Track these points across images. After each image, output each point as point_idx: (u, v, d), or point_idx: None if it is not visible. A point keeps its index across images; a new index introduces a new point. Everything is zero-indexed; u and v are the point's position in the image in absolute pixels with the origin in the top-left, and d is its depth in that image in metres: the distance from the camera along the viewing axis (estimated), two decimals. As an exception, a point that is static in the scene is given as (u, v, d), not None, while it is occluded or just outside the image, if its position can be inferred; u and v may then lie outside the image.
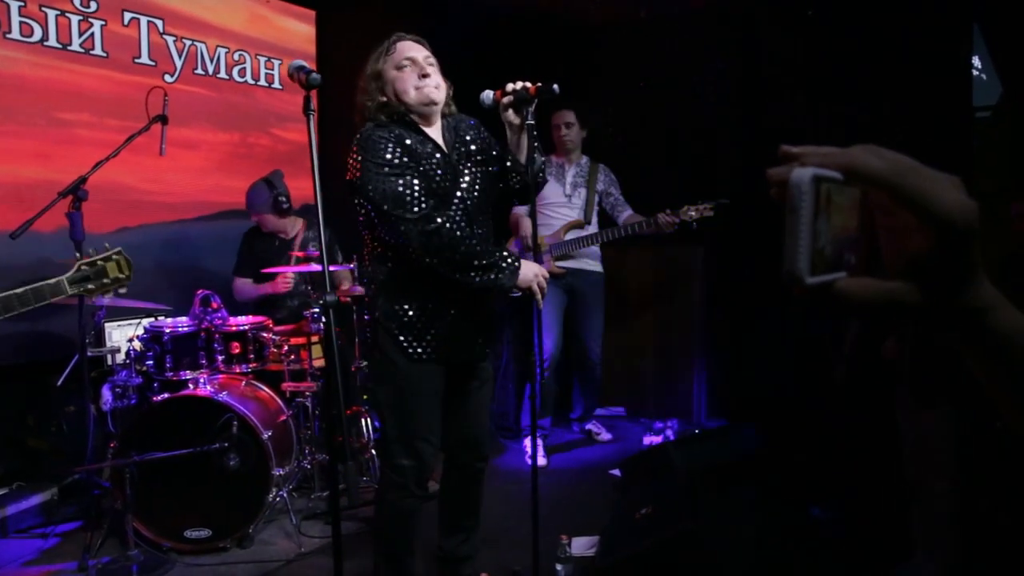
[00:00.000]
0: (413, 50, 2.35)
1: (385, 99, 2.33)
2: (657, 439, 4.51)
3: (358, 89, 2.38)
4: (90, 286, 2.34)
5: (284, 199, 3.84)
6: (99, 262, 2.35)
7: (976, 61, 4.18)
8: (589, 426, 4.59)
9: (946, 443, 2.68)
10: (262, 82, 4.59)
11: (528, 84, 2.28)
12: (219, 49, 4.31)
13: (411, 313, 2.31)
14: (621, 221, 4.28)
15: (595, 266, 4.32)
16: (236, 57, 4.41)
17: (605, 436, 4.57)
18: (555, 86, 2.23)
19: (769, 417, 4.27)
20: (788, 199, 0.48)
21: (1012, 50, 3.64)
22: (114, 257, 2.38)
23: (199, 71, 4.21)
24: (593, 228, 4.25)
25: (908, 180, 0.48)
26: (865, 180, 0.49)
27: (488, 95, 2.36)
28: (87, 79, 3.71)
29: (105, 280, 2.35)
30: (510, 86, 2.30)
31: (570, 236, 4.17)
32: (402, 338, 2.31)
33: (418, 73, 2.32)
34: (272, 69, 4.64)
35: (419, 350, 2.32)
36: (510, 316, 4.58)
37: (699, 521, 2.68)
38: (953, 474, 2.67)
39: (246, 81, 4.49)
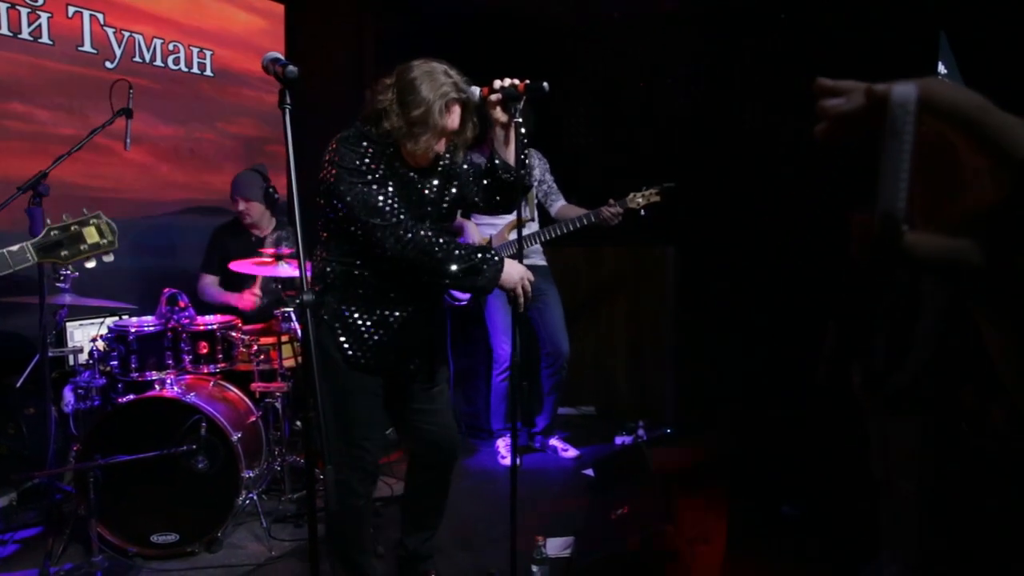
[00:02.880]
0: (461, 125, 2.29)
1: (399, 120, 2.20)
2: (628, 439, 4.53)
3: (384, 86, 2.25)
4: (63, 252, 2.06)
5: (274, 190, 3.83)
6: (73, 227, 2.07)
7: (941, 67, 4.26)
8: (552, 441, 4.37)
9: (913, 445, 2.73)
10: (195, 70, 4.45)
11: (516, 81, 2.25)
12: (155, 40, 4.17)
13: (356, 315, 2.30)
14: (555, 211, 4.13)
15: (540, 260, 4.18)
16: (171, 47, 4.27)
17: (572, 453, 4.28)
18: (544, 84, 2.21)
19: (740, 416, 4.31)
20: (889, 122, 0.39)
21: (977, 57, 3.72)
22: (92, 221, 2.10)
23: (137, 59, 4.08)
24: (535, 223, 4.10)
25: (992, 118, 0.41)
26: (945, 113, 0.42)
27: (475, 91, 2.33)
28: (17, 68, 3.60)
29: (82, 246, 2.08)
30: (498, 83, 2.27)
31: (514, 235, 4.00)
32: (343, 339, 2.30)
33: (439, 143, 2.26)
34: (204, 59, 4.49)
35: (358, 354, 2.31)
36: (472, 319, 4.45)
37: (674, 521, 2.69)
38: (919, 475, 2.72)
39: (180, 69, 4.33)
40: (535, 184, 4.12)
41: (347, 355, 2.30)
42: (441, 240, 2.21)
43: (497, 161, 2.41)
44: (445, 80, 2.21)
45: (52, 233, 2.05)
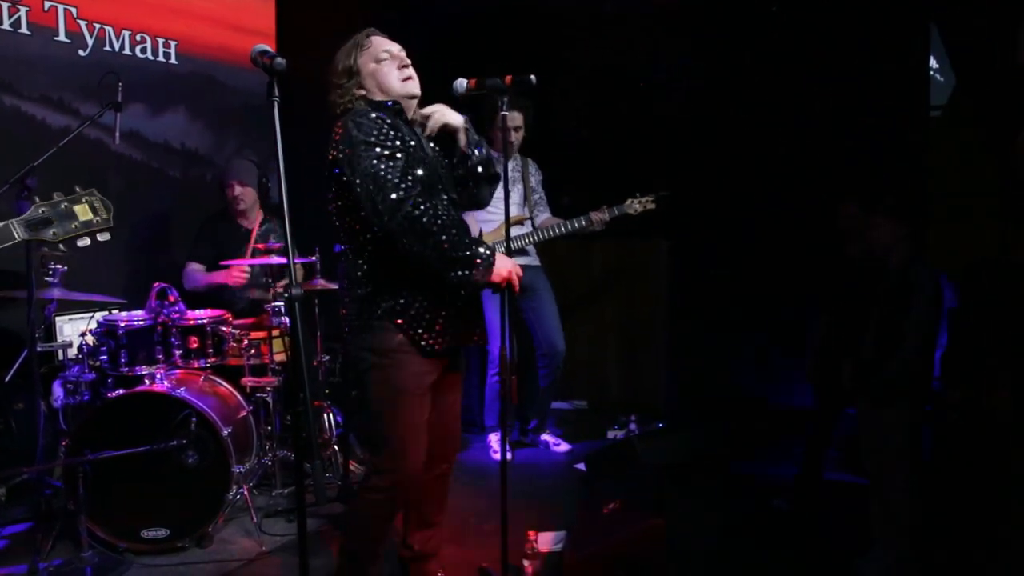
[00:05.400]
0: (389, 44, 2.30)
1: (363, 92, 2.26)
2: (620, 433, 4.53)
3: (329, 86, 2.29)
4: (53, 231, 1.93)
5: (267, 180, 3.81)
6: (63, 204, 1.95)
7: (932, 62, 4.27)
8: (545, 437, 4.38)
9: (903, 437, 2.74)
10: (159, 58, 4.40)
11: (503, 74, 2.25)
12: (123, 31, 4.08)
13: (417, 304, 2.21)
14: (539, 222, 4.16)
15: (534, 260, 4.20)
16: (138, 37, 4.15)
17: (564, 447, 4.33)
18: (531, 77, 2.20)
19: (731, 410, 4.32)
20: None
21: (968, 50, 3.72)
22: (84, 198, 1.98)
23: (107, 48, 3.99)
24: (530, 222, 4.15)
25: None
26: None
27: (461, 83, 2.32)
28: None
29: (74, 224, 1.95)
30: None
31: (512, 233, 3.99)
32: (412, 331, 2.21)
33: (399, 65, 2.27)
34: (170, 45, 4.35)
35: (431, 341, 2.23)
36: None
37: (666, 515, 2.69)
38: (909, 467, 2.73)
39: (147, 58, 4.19)
40: (532, 192, 4.17)
41: (422, 346, 2.21)
42: (445, 229, 2.12)
43: (472, 150, 2.39)
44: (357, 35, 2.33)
45: (41, 210, 1.94)
